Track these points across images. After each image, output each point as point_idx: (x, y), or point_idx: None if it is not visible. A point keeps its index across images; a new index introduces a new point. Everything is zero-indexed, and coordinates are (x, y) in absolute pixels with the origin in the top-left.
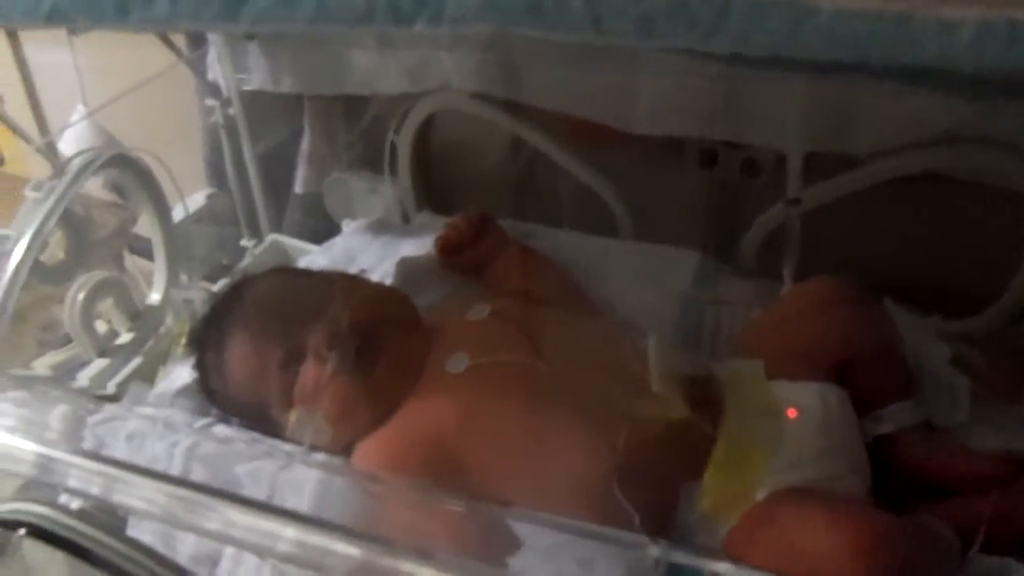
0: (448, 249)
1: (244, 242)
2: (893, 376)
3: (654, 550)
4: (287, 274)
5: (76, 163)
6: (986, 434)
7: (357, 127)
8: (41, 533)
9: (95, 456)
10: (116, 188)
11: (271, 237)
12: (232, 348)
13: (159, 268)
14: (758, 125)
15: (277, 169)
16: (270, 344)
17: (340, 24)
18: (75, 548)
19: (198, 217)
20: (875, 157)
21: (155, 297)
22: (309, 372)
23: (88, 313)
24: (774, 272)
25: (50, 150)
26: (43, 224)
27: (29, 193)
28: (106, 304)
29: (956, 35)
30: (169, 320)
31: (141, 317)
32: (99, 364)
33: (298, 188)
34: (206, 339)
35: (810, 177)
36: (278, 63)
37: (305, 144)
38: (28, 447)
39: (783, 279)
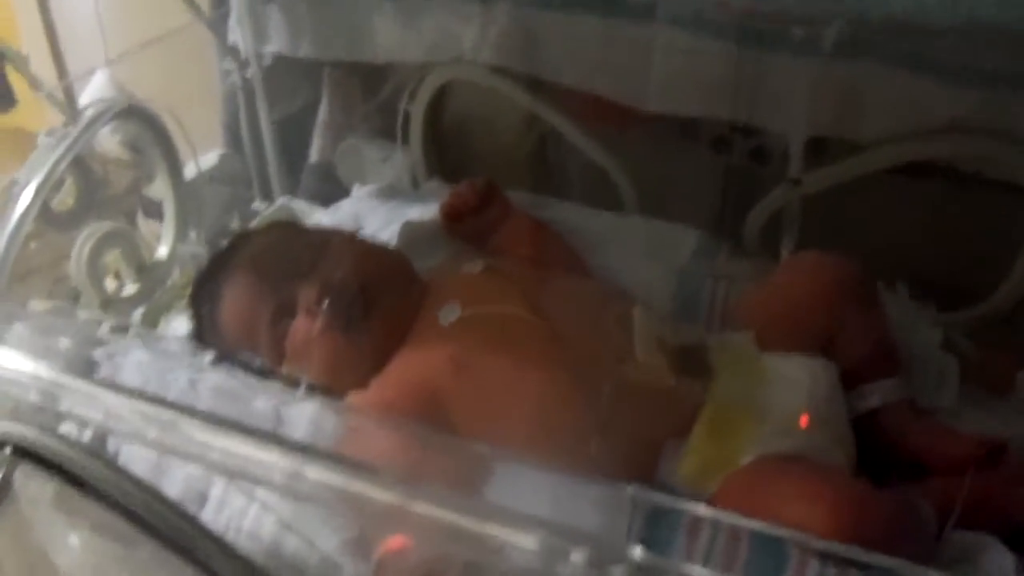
0: (452, 216)
1: (256, 204)
2: (880, 352)
3: (630, 489)
4: (284, 229)
5: (90, 111)
6: (976, 417)
7: (375, 98)
8: (25, 453)
9: (97, 382)
10: (133, 147)
11: (281, 200)
12: (226, 301)
13: (168, 223)
14: (767, 106)
15: (293, 134)
16: (262, 298)
17: None
18: (61, 472)
19: (212, 176)
20: (879, 143)
21: (163, 251)
22: (299, 327)
23: (95, 262)
24: (775, 253)
25: (64, 98)
26: (54, 167)
27: (42, 139)
28: (113, 255)
29: None
30: (176, 274)
31: (148, 271)
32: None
33: (313, 157)
34: (201, 291)
35: (817, 163)
36: (297, 27)
37: (322, 114)
38: (29, 368)
39: (781, 258)
